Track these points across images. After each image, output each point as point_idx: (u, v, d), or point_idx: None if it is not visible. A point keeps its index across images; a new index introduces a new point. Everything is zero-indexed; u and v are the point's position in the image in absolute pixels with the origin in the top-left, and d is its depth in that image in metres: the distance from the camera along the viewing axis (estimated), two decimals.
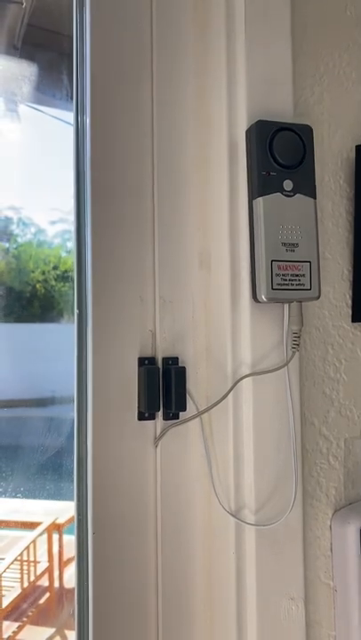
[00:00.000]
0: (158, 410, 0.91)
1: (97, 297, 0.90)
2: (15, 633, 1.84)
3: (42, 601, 2.01)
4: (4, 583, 1.96)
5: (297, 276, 0.87)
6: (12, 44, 1.37)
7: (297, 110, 0.98)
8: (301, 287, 0.88)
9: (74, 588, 0.92)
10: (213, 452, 0.93)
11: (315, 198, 0.90)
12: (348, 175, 1.02)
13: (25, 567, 2.00)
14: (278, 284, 0.87)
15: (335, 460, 0.98)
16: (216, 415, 0.93)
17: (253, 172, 0.89)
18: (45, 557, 2.02)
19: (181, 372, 0.91)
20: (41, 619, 1.91)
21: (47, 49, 1.36)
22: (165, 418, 0.92)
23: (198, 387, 0.94)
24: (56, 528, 1.99)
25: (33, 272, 1.45)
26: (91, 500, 0.88)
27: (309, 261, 0.88)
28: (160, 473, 0.92)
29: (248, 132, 0.90)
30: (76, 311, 0.93)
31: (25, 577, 2.00)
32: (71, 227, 0.96)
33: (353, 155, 1.02)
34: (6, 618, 1.86)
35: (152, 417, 0.92)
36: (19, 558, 2.00)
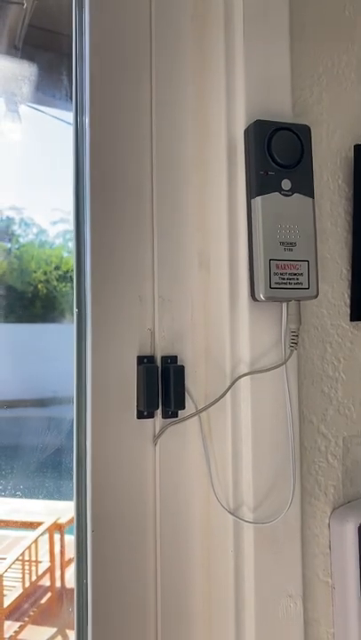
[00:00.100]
0: (157, 408, 0.92)
1: (96, 296, 0.90)
2: (17, 632, 1.84)
3: (43, 601, 2.01)
4: (5, 583, 1.97)
5: (295, 274, 0.88)
6: (12, 45, 1.38)
7: (296, 110, 0.98)
8: (299, 286, 0.88)
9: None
10: (212, 450, 0.93)
11: (313, 197, 0.90)
12: (346, 175, 1.02)
13: (27, 567, 2.01)
14: (276, 283, 0.87)
15: (334, 458, 0.98)
16: (215, 413, 0.93)
17: (252, 172, 0.89)
18: (47, 557, 2.03)
19: (180, 371, 0.92)
20: (42, 618, 1.92)
21: (48, 49, 1.37)
22: (164, 416, 0.92)
23: (197, 385, 0.94)
24: (58, 528, 1.99)
25: (35, 272, 1.45)
26: (90, 497, 0.89)
27: (307, 260, 0.88)
28: (159, 471, 0.92)
29: (246, 131, 0.91)
30: (75, 310, 0.93)
31: (27, 577, 2.00)
32: (72, 227, 0.96)
33: (352, 154, 1.02)
34: (8, 617, 1.86)
35: (151, 415, 0.92)
36: (20, 558, 2.00)
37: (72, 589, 0.93)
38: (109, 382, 0.90)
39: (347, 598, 0.93)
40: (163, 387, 0.92)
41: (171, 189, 0.95)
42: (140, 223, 0.94)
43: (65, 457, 1.14)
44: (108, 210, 0.92)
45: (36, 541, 2.03)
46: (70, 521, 0.95)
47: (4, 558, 1.99)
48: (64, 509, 1.82)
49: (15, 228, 1.44)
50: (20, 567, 2.00)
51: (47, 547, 2.02)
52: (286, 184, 0.88)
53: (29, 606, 1.96)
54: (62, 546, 1.99)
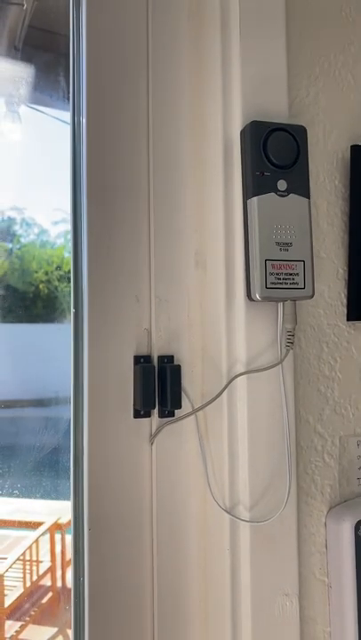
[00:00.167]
0: (154, 407, 0.92)
1: (93, 296, 0.91)
2: (18, 632, 1.84)
3: (44, 600, 2.01)
4: (6, 582, 1.97)
5: (291, 274, 0.88)
6: (13, 46, 1.38)
7: (292, 111, 0.99)
8: (295, 286, 0.88)
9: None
10: (208, 449, 0.94)
11: (309, 198, 0.90)
12: (343, 175, 1.02)
13: (27, 567, 2.01)
14: (272, 283, 0.87)
15: (330, 457, 0.98)
16: (211, 413, 0.93)
17: (248, 173, 0.90)
18: (48, 557, 2.03)
19: (177, 370, 0.92)
20: (43, 618, 1.92)
21: (47, 50, 1.37)
22: (161, 415, 0.93)
23: (194, 384, 0.95)
24: (58, 528, 1.99)
25: (36, 272, 1.45)
26: (87, 496, 0.89)
27: (303, 260, 0.89)
28: (155, 470, 0.93)
29: (242, 132, 0.91)
30: (72, 310, 0.94)
31: (27, 576, 2.00)
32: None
33: (348, 155, 1.02)
34: (9, 617, 1.86)
35: (148, 414, 0.92)
36: (21, 558, 2.00)
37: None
38: (106, 382, 0.91)
39: (343, 597, 0.93)
40: (159, 386, 0.92)
41: (168, 189, 0.96)
42: (136, 223, 0.94)
43: (62, 456, 1.15)
44: (105, 210, 0.92)
45: (36, 541, 2.03)
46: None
47: (5, 558, 1.99)
48: (65, 509, 1.82)
49: (16, 228, 1.44)
50: (21, 567, 2.00)
51: (48, 546, 2.02)
52: (282, 184, 0.89)
53: (30, 606, 1.96)
54: (63, 546, 1.99)
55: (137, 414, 0.92)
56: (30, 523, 1.96)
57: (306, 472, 0.97)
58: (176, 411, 0.93)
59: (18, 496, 1.33)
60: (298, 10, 1.01)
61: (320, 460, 0.98)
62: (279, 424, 0.91)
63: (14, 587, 2.00)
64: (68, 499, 0.94)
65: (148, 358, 0.93)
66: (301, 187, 0.90)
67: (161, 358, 0.93)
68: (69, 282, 1.29)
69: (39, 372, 1.47)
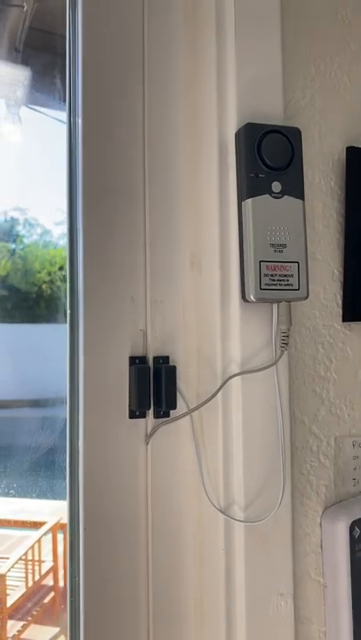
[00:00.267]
0: (149, 408, 0.92)
1: (89, 297, 0.91)
2: (20, 632, 1.85)
3: (46, 600, 2.02)
4: (9, 582, 1.97)
5: (285, 276, 0.88)
6: (13, 47, 1.39)
7: (288, 112, 0.99)
8: (290, 287, 0.89)
9: None
10: (203, 449, 0.94)
11: (303, 199, 0.90)
12: (338, 177, 1.03)
13: (30, 566, 2.02)
14: (267, 285, 0.87)
15: (325, 458, 0.98)
16: (206, 413, 0.94)
17: (242, 174, 0.90)
18: (50, 557, 2.03)
19: (172, 371, 0.92)
20: (45, 618, 1.92)
21: (47, 51, 1.38)
22: (156, 416, 0.93)
23: (189, 385, 0.95)
24: (61, 528, 1.99)
25: (39, 273, 1.45)
26: (82, 496, 0.89)
27: (298, 262, 0.89)
28: (151, 470, 0.93)
29: (237, 134, 0.91)
30: (68, 311, 0.94)
31: (30, 576, 2.01)
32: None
33: (344, 156, 1.02)
34: (11, 617, 1.87)
35: (143, 415, 0.93)
36: (23, 558, 2.01)
37: None
38: (102, 382, 0.91)
39: (338, 597, 0.94)
40: (155, 387, 0.92)
41: (163, 191, 0.96)
42: (132, 224, 0.95)
43: (58, 456, 1.15)
44: (100, 211, 0.93)
45: (39, 541, 2.03)
46: None
47: (7, 558, 1.99)
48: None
49: (19, 228, 1.44)
50: (24, 567, 2.01)
51: (50, 546, 2.02)
52: (277, 186, 0.89)
53: (32, 606, 1.97)
54: (65, 546, 1.99)
55: (132, 415, 0.92)
56: (33, 523, 1.96)
57: (301, 472, 0.97)
58: (171, 411, 0.93)
59: (14, 496, 1.33)
60: (293, 12, 1.01)
61: (315, 460, 0.98)
62: (274, 425, 0.91)
63: (16, 586, 2.00)
64: (65, 499, 0.94)
65: (143, 359, 0.93)
66: (296, 188, 0.90)
67: (156, 359, 0.93)
68: None
69: (38, 373, 1.47)
